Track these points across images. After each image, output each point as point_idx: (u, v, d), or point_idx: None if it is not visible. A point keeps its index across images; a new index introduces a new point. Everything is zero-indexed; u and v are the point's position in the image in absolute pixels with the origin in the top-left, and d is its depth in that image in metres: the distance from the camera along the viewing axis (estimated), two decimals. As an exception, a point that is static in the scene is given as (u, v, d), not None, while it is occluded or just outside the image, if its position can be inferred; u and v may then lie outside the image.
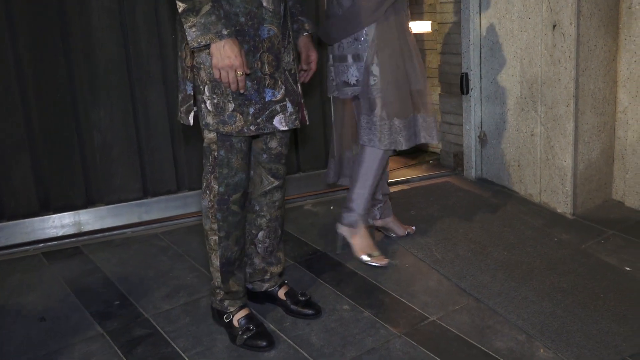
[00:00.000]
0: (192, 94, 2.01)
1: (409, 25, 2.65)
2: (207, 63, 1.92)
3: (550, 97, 3.06)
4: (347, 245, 2.74)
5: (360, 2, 2.50)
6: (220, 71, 1.87)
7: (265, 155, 2.14)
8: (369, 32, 2.53)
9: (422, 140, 2.67)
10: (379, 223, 2.90)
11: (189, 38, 1.84)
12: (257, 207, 2.22)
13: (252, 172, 2.17)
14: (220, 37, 1.83)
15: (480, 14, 3.43)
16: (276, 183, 2.19)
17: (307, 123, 2.16)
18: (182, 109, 2.05)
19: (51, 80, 2.90)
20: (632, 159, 3.09)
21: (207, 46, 1.88)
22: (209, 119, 1.97)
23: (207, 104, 1.96)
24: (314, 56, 2.26)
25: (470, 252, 2.73)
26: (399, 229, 2.91)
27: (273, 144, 2.12)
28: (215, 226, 2.07)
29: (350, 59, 2.59)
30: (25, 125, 2.89)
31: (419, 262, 2.68)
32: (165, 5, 3.04)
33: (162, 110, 3.11)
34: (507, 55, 3.28)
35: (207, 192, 2.06)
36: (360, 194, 2.68)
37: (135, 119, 3.08)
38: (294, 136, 3.43)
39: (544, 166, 3.17)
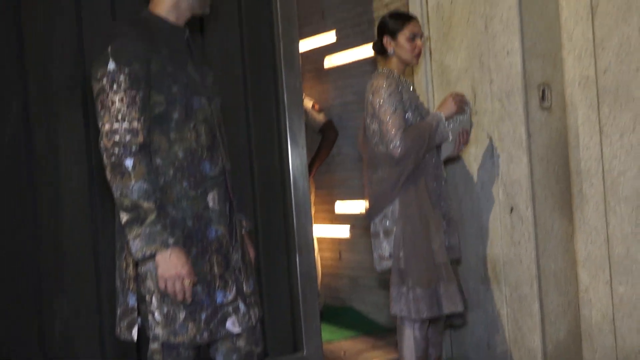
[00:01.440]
0: (135, 305, 1.91)
1: (437, 190, 2.85)
2: (155, 271, 1.85)
3: (513, 278, 3.12)
4: None
5: (380, 182, 2.76)
6: (166, 281, 1.80)
7: (235, 356, 2.03)
8: (394, 208, 2.74)
9: (446, 311, 2.74)
10: None
11: (133, 249, 1.79)
12: None
13: None
14: (166, 246, 1.78)
15: (440, 197, 3.57)
16: None
17: None
18: (122, 323, 1.94)
19: (15, 268, 2.86)
20: (599, 338, 3.10)
21: (153, 256, 1.81)
22: (158, 330, 1.88)
23: (156, 315, 1.88)
24: (252, 253, 2.23)
25: None
26: None
27: (241, 342, 2.02)
28: None
29: (382, 234, 2.78)
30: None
31: None
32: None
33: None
34: (469, 236, 3.37)
35: None
36: None
37: (100, 309, 3.02)
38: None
39: (513, 347, 3.16)
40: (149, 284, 1.88)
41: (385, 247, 2.80)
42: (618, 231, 3.02)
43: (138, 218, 1.78)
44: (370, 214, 2.85)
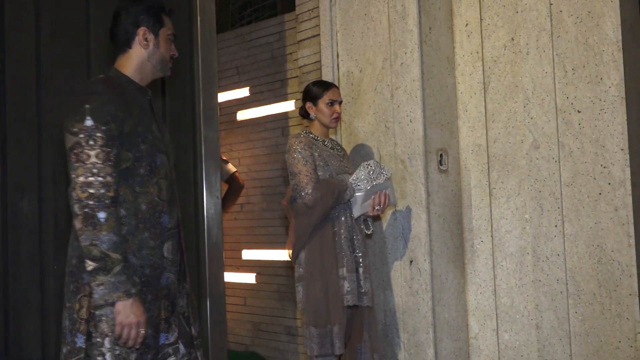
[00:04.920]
0: (83, 346, 1.99)
1: (351, 240, 3.07)
2: (111, 315, 1.96)
3: (411, 325, 3.38)
4: None
5: (296, 231, 3.00)
6: (123, 328, 1.94)
7: None
8: (302, 255, 3.02)
9: (338, 352, 2.94)
10: None
11: (96, 295, 1.92)
12: None
13: None
14: (129, 295, 1.93)
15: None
16: None
17: None
18: None
19: None
20: (487, 381, 3.40)
21: (113, 303, 1.94)
22: None
23: (107, 356, 1.98)
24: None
25: None
26: None
27: None
28: None
29: (297, 279, 3.05)
30: None
31: None
32: (50, 237, 3.12)
33: (37, 345, 3.05)
34: (373, 286, 3.61)
35: None
36: None
37: (6, 350, 2.99)
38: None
39: (410, 390, 3.39)
40: (103, 326, 1.98)
41: (299, 290, 3.03)
42: (504, 283, 3.37)
43: (105, 267, 1.91)
44: (292, 260, 3.07)
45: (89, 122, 1.94)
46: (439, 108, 3.43)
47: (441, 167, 3.42)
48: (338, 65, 3.75)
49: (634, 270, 2.97)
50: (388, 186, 3.09)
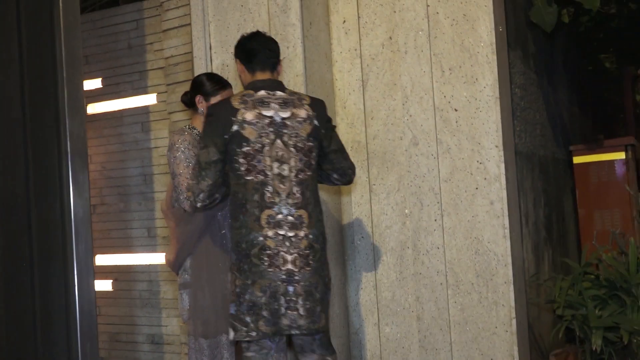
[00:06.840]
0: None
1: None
2: None
3: (296, 325, 3.33)
4: None
5: (181, 236, 2.86)
6: None
7: None
8: (189, 262, 2.87)
9: None
10: None
11: None
12: None
13: None
14: None
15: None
16: None
17: None
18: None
19: None
20: (369, 375, 3.45)
21: None
22: None
23: None
24: None
25: None
26: None
27: None
28: None
29: (182, 287, 2.87)
30: None
31: None
32: None
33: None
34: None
35: None
36: None
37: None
38: None
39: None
40: None
41: (185, 298, 2.84)
42: (385, 278, 3.43)
43: None
44: (174, 267, 2.86)
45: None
46: (320, 104, 3.41)
47: (323, 164, 3.40)
48: (211, 57, 3.58)
49: (509, 260, 3.17)
50: None
